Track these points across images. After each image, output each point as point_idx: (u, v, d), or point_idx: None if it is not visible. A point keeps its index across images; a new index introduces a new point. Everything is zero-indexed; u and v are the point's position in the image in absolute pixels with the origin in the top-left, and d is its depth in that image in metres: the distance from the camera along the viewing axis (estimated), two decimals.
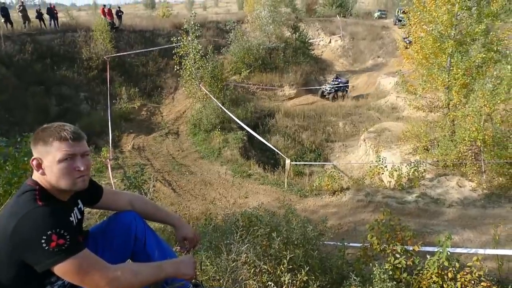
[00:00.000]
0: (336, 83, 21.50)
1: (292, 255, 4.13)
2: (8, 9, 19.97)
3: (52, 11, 20.97)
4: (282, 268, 3.90)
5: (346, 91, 21.84)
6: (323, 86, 22.24)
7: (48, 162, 1.59)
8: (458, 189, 9.68)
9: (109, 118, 14.28)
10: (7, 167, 5.70)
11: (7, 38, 17.76)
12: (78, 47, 19.72)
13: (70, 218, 1.67)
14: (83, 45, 19.73)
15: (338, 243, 5.43)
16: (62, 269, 1.46)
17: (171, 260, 1.84)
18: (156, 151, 13.81)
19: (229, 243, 3.99)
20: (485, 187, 9.49)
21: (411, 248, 4.52)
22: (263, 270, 3.95)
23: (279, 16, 24.93)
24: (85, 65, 18.92)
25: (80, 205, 1.84)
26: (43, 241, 1.42)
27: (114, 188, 9.64)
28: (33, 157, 1.60)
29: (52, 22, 21.10)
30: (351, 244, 5.42)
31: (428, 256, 4.14)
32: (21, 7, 20.00)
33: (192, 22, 15.88)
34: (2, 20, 18.99)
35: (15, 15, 21.52)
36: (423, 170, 10.32)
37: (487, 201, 9.03)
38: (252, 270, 3.93)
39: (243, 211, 5.62)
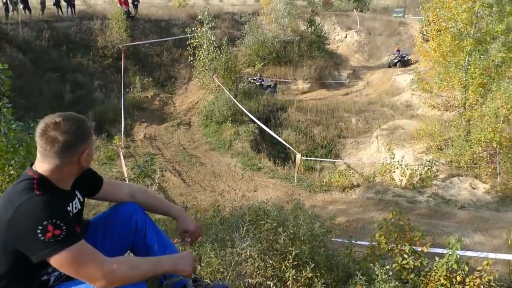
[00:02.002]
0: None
1: (298, 251, 4.10)
2: None
3: None
4: (287, 264, 3.87)
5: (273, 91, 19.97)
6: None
7: (92, 149, 1.69)
8: (471, 191, 9.51)
9: (122, 106, 14.36)
10: (20, 152, 5.77)
11: (25, 25, 17.91)
12: (94, 35, 19.81)
13: (68, 208, 1.66)
14: (99, 33, 19.82)
15: (346, 241, 5.40)
16: (57, 260, 1.44)
17: (170, 255, 1.81)
18: (167, 141, 13.85)
19: (234, 236, 3.98)
20: (499, 189, 9.30)
21: (419, 249, 4.45)
22: (268, 265, 3.93)
23: (295, 9, 24.69)
24: (100, 53, 19.00)
25: (79, 195, 1.82)
26: (38, 231, 1.40)
27: (125, 176, 9.71)
28: (85, 151, 1.63)
29: (69, 9, 21.19)
30: (358, 242, 5.36)
31: (436, 258, 4.08)
32: None
33: (206, 13, 15.82)
34: (21, 6, 19.17)
35: (34, 2, 21.63)
36: (435, 170, 10.17)
37: (500, 204, 8.86)
38: (257, 264, 3.91)
39: (250, 204, 5.61)
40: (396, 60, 24.02)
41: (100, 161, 11.01)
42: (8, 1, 18.27)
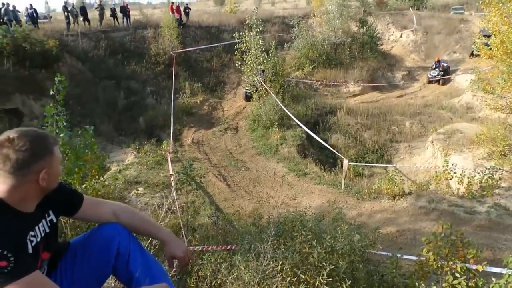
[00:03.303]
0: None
1: (334, 266, 3.83)
2: (86, 8, 21.37)
3: (125, 9, 22.12)
4: (322, 280, 3.63)
5: None
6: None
7: (53, 168, 1.54)
8: None
9: (172, 112, 14.68)
10: (70, 157, 5.96)
11: (84, 36, 19.03)
12: (147, 43, 20.63)
13: (31, 233, 1.52)
14: (152, 41, 20.61)
15: (391, 254, 5.04)
16: None
17: None
18: (214, 145, 13.95)
19: (265, 247, 3.80)
20: None
21: (474, 267, 4.01)
22: (301, 280, 3.71)
23: (347, 10, 24.07)
24: (152, 61, 19.74)
25: (51, 216, 1.68)
26: None
27: (172, 181, 9.81)
28: (43, 170, 1.49)
29: (125, 19, 22.25)
30: (404, 257, 4.96)
31: (493, 279, 3.64)
32: (100, 7, 21.39)
33: (254, 17, 15.82)
34: (81, 18, 20.38)
35: (95, 14, 22.90)
36: (498, 178, 9.31)
37: None
38: (289, 279, 3.70)
39: (288, 213, 5.39)
40: (438, 76, 20.92)
41: (148, 165, 11.28)
42: (70, 14, 19.48)
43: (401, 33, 28.57)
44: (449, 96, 19.24)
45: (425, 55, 26.67)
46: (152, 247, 3.38)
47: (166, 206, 5.35)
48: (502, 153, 10.58)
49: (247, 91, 17.57)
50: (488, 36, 21.15)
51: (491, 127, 11.53)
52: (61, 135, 6.00)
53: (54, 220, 1.70)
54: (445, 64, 21.18)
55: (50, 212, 1.68)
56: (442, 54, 25.75)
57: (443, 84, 20.82)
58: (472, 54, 22.38)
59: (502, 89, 10.44)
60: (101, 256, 1.74)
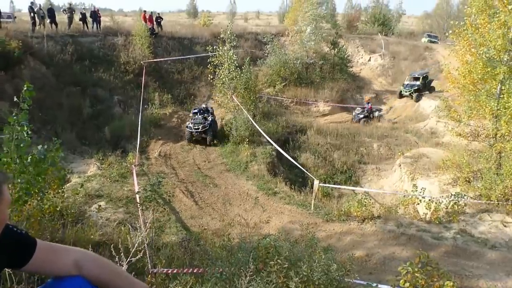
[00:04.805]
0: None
1: None
2: (54, 10, 20.57)
3: (95, 15, 21.51)
4: None
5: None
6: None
7: (0, 213, 1.24)
8: (502, 229, 8.78)
9: (139, 123, 14.15)
10: (30, 169, 5.34)
11: (50, 39, 18.22)
12: (117, 50, 20.09)
13: None
14: (122, 49, 20.09)
15: (365, 283, 4.89)
16: None
17: None
18: (182, 160, 13.53)
19: (240, 277, 3.55)
20: None
21: None
22: None
23: (320, 32, 24.55)
24: (122, 69, 19.20)
25: None
26: None
27: (137, 198, 9.14)
28: None
29: (95, 25, 21.60)
30: (380, 286, 4.81)
31: None
32: (69, 10, 20.66)
33: (228, 32, 15.73)
34: (48, 21, 19.56)
35: (64, 17, 22.04)
36: (463, 204, 9.48)
37: None
38: None
39: (261, 239, 5.15)
40: (361, 116, 20.10)
41: (112, 178, 10.71)
42: (36, 15, 18.65)
43: (370, 57, 29.45)
44: (415, 121, 19.83)
45: (392, 80, 27.50)
46: None
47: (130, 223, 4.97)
48: (467, 179, 10.82)
49: (193, 131, 14.65)
50: (416, 79, 22.42)
51: (456, 153, 11.81)
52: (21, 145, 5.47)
53: None
54: (374, 108, 20.80)
55: None
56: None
57: (367, 123, 19.78)
58: (400, 95, 23.10)
59: (468, 117, 10.72)
60: None
